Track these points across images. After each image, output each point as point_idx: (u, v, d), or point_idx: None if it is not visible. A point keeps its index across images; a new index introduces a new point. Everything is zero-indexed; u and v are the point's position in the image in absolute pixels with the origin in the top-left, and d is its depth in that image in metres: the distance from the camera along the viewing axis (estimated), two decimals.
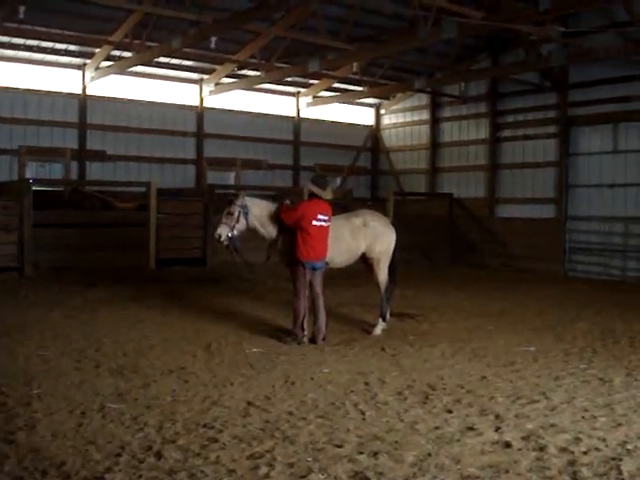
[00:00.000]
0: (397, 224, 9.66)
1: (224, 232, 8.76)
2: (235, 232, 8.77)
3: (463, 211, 20.32)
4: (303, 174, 21.06)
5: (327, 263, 8.82)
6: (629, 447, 4.91)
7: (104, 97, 17.93)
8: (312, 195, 8.61)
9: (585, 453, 4.78)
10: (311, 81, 20.72)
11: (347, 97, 21.31)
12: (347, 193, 20.27)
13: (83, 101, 17.55)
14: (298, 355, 7.85)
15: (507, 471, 4.41)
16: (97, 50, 16.84)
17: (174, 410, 5.63)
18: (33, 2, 13.80)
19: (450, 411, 5.73)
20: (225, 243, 8.84)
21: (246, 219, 8.78)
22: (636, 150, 16.70)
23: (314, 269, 8.50)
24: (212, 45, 14.94)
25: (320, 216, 8.43)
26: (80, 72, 17.46)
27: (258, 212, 8.86)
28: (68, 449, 4.70)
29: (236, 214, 8.75)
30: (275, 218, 8.81)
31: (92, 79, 17.44)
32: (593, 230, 17.47)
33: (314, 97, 21.42)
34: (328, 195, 8.65)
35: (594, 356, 8.05)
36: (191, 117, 19.43)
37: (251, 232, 8.98)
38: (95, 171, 17.76)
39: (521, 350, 8.31)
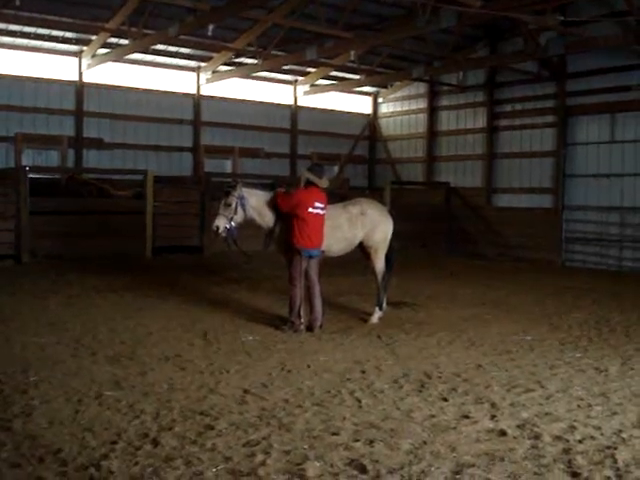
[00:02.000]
0: (394, 213, 9.64)
1: (222, 224, 8.70)
2: (233, 223, 8.73)
3: (460, 200, 20.29)
4: (300, 162, 20.98)
5: (324, 251, 8.84)
6: (624, 436, 4.93)
7: (101, 84, 17.85)
8: (309, 183, 8.60)
9: (580, 442, 4.80)
10: (309, 69, 20.64)
11: (345, 85, 21.25)
12: (344, 182, 20.28)
13: (80, 88, 17.46)
14: (295, 343, 7.86)
15: (502, 459, 4.43)
16: (94, 37, 16.75)
17: (170, 398, 5.64)
18: None
19: (446, 399, 5.75)
20: (223, 235, 8.81)
21: (244, 210, 8.74)
22: (633, 140, 16.69)
23: (310, 257, 8.51)
24: (209, 33, 14.90)
25: (316, 204, 8.43)
26: (77, 59, 17.36)
27: (255, 202, 8.82)
28: (65, 436, 4.71)
29: (233, 205, 8.70)
30: (272, 207, 8.81)
31: (89, 66, 17.34)
32: (590, 220, 17.48)
33: (311, 85, 21.35)
34: (325, 183, 8.64)
35: (590, 345, 8.07)
36: (188, 105, 19.35)
37: (248, 222, 8.96)
38: (92, 159, 17.71)
39: (517, 339, 8.33)
